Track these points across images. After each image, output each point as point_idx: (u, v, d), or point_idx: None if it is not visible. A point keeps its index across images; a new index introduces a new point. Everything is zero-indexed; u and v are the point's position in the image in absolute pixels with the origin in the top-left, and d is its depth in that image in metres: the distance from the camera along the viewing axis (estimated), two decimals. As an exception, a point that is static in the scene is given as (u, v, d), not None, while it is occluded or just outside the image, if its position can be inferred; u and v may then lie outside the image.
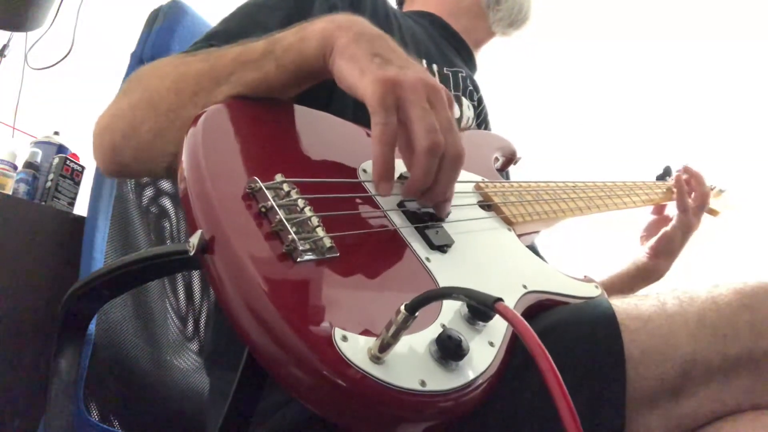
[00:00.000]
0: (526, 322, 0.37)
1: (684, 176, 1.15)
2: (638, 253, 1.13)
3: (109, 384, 0.91)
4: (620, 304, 0.61)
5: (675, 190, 1.13)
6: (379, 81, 0.54)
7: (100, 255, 0.94)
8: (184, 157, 0.53)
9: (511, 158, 0.94)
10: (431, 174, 0.56)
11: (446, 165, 0.56)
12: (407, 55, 0.60)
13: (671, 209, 1.17)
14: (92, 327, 0.88)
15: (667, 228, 1.10)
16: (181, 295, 1.07)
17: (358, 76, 0.56)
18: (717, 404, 0.56)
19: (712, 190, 1.21)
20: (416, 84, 0.55)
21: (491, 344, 0.51)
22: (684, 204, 1.10)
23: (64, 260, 1.06)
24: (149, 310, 1.00)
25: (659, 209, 1.19)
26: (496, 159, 0.90)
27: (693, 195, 1.13)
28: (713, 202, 1.20)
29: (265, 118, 0.62)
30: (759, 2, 2.17)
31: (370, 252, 0.54)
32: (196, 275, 1.10)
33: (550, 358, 0.36)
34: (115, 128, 0.68)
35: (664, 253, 1.10)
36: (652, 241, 1.11)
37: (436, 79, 0.58)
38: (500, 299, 0.40)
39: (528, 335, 0.37)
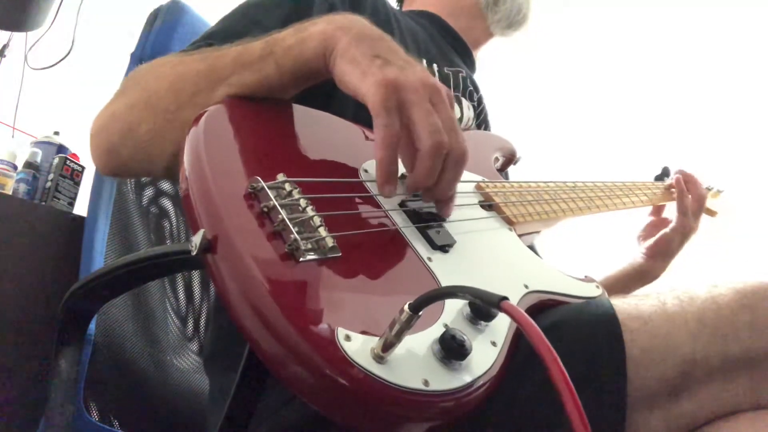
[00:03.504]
0: (532, 321, 0.38)
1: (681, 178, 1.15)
2: (634, 253, 1.13)
3: (109, 384, 0.91)
4: (621, 304, 0.61)
5: (675, 192, 1.13)
6: (381, 83, 0.54)
7: (100, 255, 0.94)
8: (185, 157, 0.53)
9: (511, 158, 0.94)
10: (434, 174, 0.56)
11: (450, 164, 0.56)
12: (408, 56, 0.60)
13: (669, 211, 1.17)
14: (92, 327, 0.88)
15: (667, 230, 1.10)
16: (181, 295, 1.07)
17: (359, 78, 0.56)
18: (717, 404, 0.57)
19: (710, 191, 1.21)
20: (417, 85, 0.55)
21: (494, 344, 0.51)
22: (684, 206, 1.10)
23: (64, 260, 1.05)
24: (149, 310, 1.00)
25: (657, 210, 1.19)
26: (496, 159, 0.90)
27: (691, 197, 1.13)
28: (711, 203, 1.21)
29: (266, 117, 0.62)
30: (757, 3, 2.18)
31: (372, 252, 0.54)
32: (196, 275, 1.10)
33: (558, 357, 0.36)
34: (113, 129, 0.68)
35: (661, 254, 1.11)
36: (650, 242, 1.11)
37: (437, 79, 0.58)
38: (506, 298, 0.40)
39: (535, 334, 0.37)
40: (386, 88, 0.54)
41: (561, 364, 0.36)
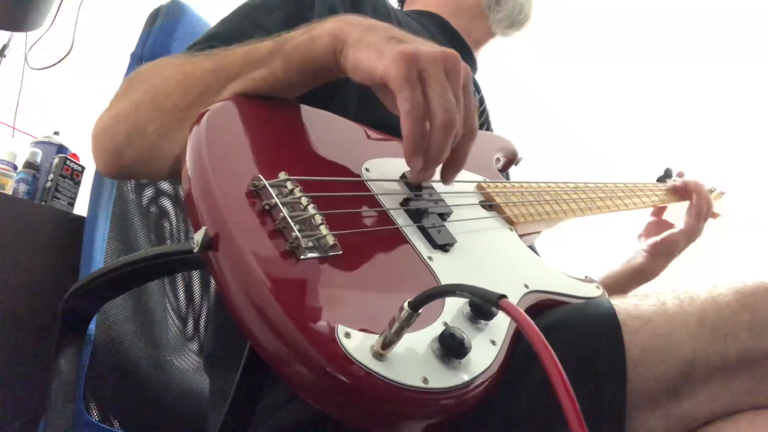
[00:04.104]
0: (530, 320, 0.38)
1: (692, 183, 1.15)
2: (634, 252, 1.13)
3: (109, 384, 0.91)
4: (621, 304, 0.61)
5: (677, 193, 1.14)
6: (399, 57, 0.53)
7: (100, 255, 0.94)
8: (188, 155, 0.53)
9: (512, 159, 0.94)
10: (446, 150, 0.56)
11: (461, 141, 0.57)
12: (419, 38, 0.61)
13: (669, 213, 1.17)
14: (92, 327, 0.88)
15: (675, 231, 1.10)
16: (181, 295, 1.07)
17: (376, 58, 0.55)
18: (717, 404, 0.57)
19: (711, 192, 1.21)
20: (435, 56, 0.55)
21: (493, 343, 0.51)
22: (699, 211, 1.10)
23: (64, 260, 1.05)
24: (149, 310, 1.00)
25: (658, 211, 1.19)
26: (498, 159, 0.90)
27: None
28: (714, 205, 1.21)
29: (268, 116, 0.62)
30: (757, 3, 2.18)
31: (373, 250, 0.54)
32: (195, 275, 1.10)
33: (555, 356, 0.36)
34: (118, 130, 0.67)
35: (663, 253, 1.10)
36: (655, 240, 1.11)
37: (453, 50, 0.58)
38: (504, 296, 0.40)
39: (532, 332, 0.37)
40: (405, 61, 0.53)
41: (558, 363, 0.36)
